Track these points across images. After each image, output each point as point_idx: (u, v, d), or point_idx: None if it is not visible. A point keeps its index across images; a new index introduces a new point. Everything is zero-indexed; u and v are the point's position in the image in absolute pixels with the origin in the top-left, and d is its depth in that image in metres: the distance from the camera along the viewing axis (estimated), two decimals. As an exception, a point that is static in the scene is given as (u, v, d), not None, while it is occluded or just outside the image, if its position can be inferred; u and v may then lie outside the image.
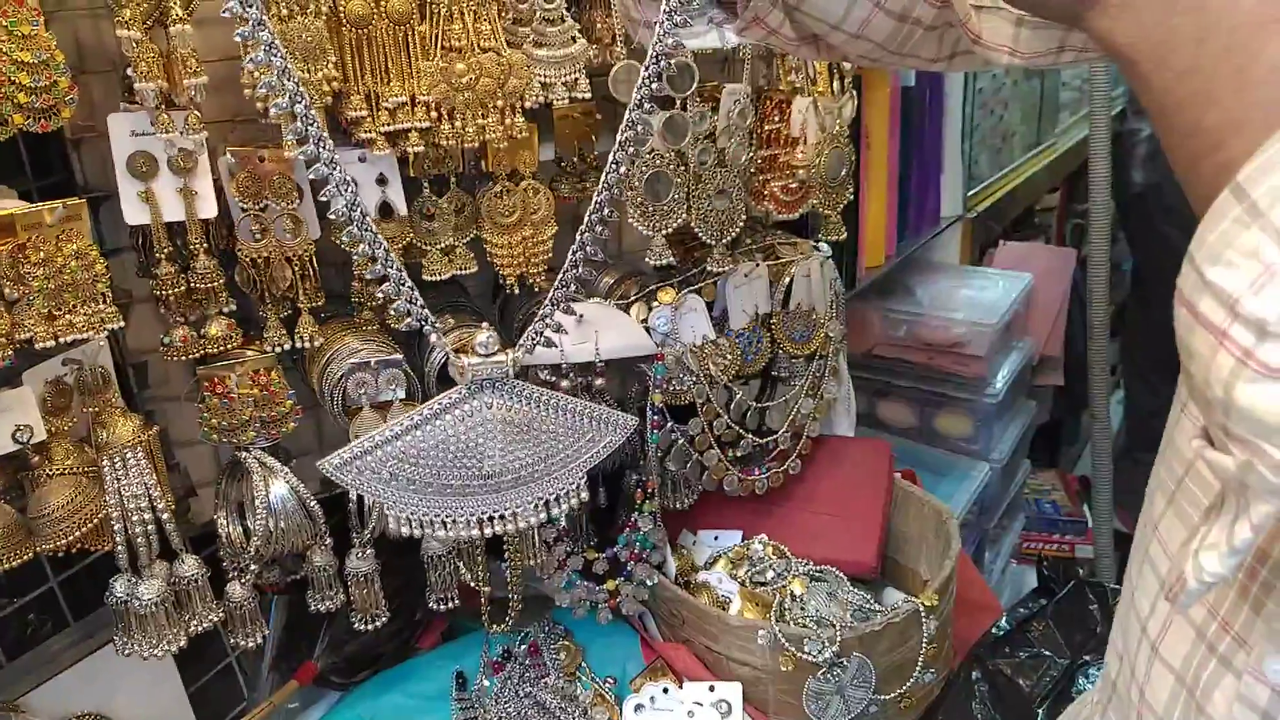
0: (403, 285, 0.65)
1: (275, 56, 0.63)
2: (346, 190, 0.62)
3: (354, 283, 1.04)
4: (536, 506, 0.72)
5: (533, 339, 0.74)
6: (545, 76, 1.02)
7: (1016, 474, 2.18)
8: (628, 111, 0.74)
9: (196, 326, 0.95)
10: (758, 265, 1.26)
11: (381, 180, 1.00)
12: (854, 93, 1.25)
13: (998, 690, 1.27)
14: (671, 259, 1.17)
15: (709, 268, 1.22)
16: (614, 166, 0.59)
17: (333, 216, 0.64)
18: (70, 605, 1.09)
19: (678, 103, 1.12)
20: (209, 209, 0.91)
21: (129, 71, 0.87)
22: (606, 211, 0.65)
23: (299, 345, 1.00)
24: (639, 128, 0.64)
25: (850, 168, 1.28)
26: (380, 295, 0.71)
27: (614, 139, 0.72)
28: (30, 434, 0.82)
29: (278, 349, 0.99)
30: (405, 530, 0.71)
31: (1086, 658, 1.30)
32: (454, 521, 0.70)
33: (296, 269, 0.97)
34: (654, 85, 0.69)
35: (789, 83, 1.24)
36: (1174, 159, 0.44)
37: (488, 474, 0.69)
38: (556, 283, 0.76)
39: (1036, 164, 2.66)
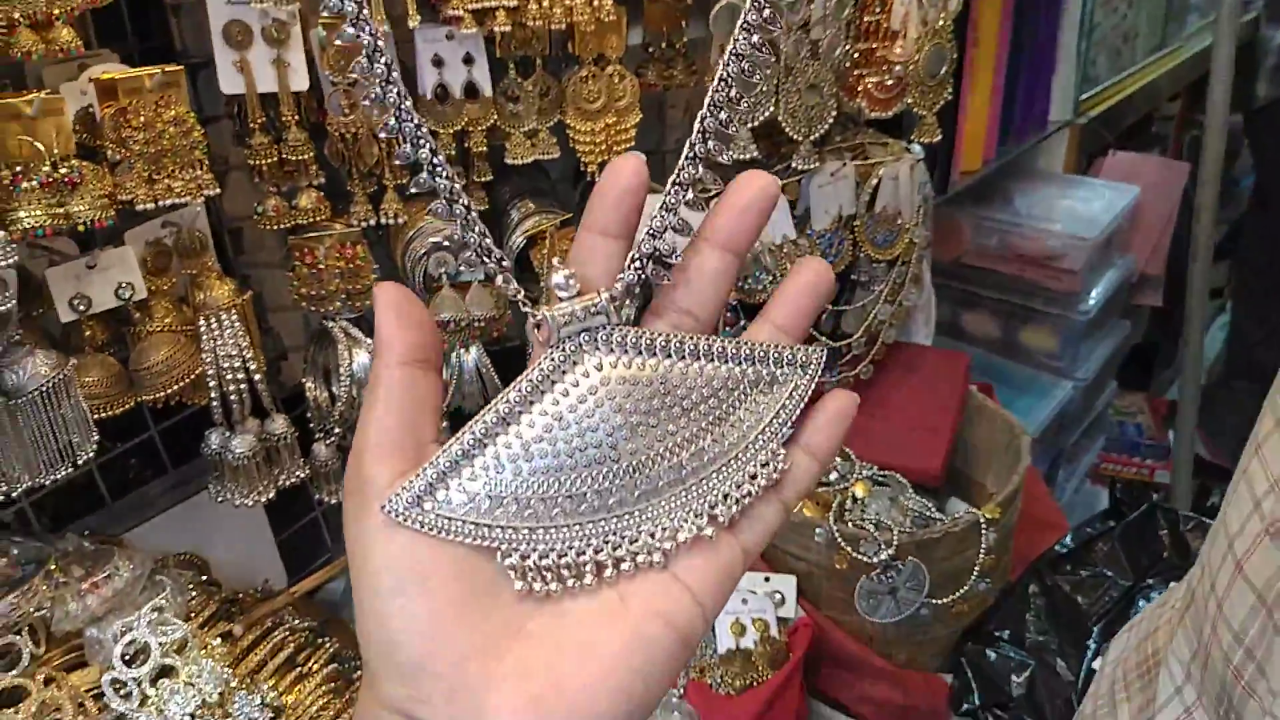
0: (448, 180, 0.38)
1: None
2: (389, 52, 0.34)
3: (438, 162, 1.05)
4: (715, 502, 0.40)
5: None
6: (638, -44, 1.00)
7: (1101, 394, 2.12)
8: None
9: (288, 197, 0.98)
10: (844, 165, 1.22)
11: (468, 59, 1.00)
12: (962, -15, 1.18)
13: (1054, 605, 1.27)
14: (755, 153, 1.15)
15: (794, 164, 1.19)
16: (735, 57, 0.37)
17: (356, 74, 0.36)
18: (169, 453, 1.17)
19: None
20: (301, 81, 0.93)
21: (226, -62, 0.87)
22: (724, 116, 0.44)
23: (384, 221, 1.02)
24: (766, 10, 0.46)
25: (951, 66, 1.23)
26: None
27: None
28: (132, 291, 0.86)
29: (363, 224, 1.01)
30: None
31: (1149, 581, 1.29)
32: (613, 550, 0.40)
33: (383, 145, 0.99)
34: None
35: (893, -29, 1.18)
36: None
37: (631, 469, 0.40)
38: (674, 177, 0.55)
39: (1158, 69, 2.49)
